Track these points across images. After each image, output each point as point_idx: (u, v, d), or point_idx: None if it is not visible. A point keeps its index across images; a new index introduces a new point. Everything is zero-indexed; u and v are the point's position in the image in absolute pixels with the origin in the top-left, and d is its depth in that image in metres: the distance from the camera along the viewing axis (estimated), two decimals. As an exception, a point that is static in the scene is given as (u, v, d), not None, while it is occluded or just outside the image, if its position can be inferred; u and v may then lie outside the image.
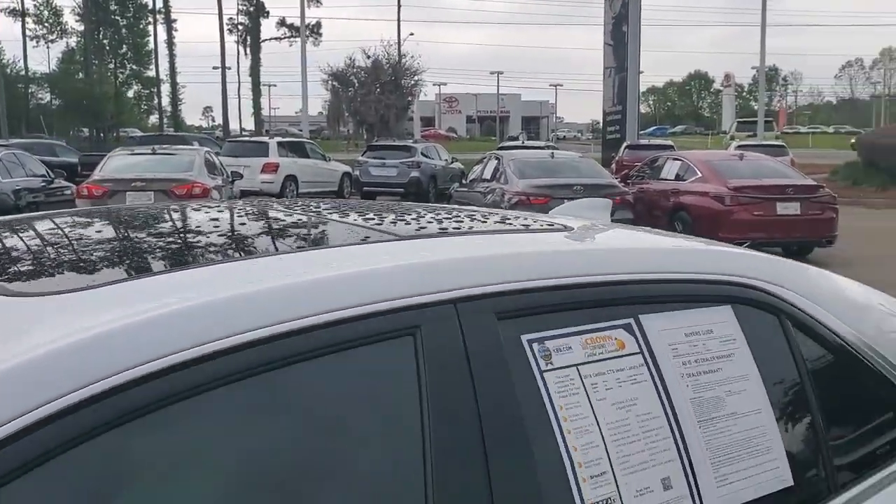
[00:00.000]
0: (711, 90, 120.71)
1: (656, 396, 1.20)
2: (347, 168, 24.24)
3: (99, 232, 1.64)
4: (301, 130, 51.14)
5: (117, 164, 11.55)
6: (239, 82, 75.08)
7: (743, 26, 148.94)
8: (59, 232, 1.63)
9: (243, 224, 1.64)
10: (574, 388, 1.14)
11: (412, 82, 30.07)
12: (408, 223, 1.51)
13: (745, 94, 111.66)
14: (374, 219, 1.59)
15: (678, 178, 12.12)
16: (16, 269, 1.33)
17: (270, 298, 1.01)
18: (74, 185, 14.10)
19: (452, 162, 24.26)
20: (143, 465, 0.89)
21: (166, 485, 0.90)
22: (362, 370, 1.03)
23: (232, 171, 13.68)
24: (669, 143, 24.92)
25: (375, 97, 27.39)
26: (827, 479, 1.36)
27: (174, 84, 66.54)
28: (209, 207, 1.84)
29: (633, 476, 1.13)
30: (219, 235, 1.53)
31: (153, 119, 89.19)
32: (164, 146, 14.27)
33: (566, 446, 1.10)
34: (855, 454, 1.43)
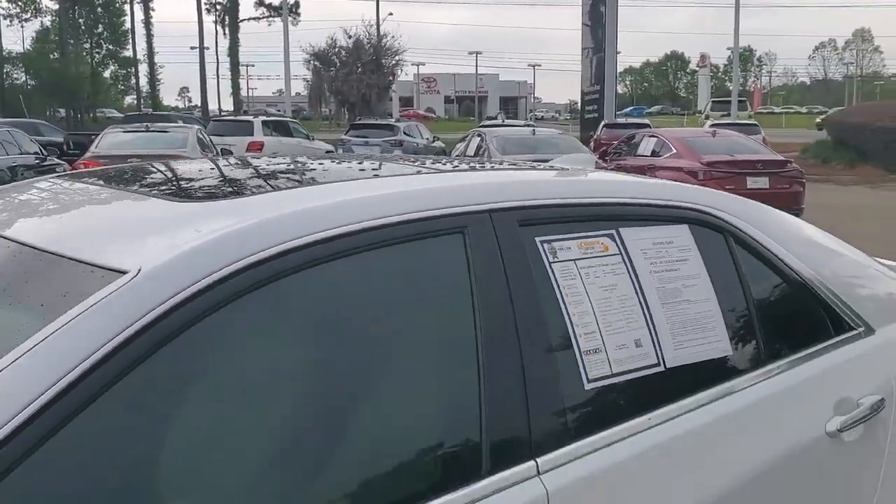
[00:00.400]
0: (687, 70, 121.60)
1: (631, 284, 1.67)
2: (330, 147, 24.53)
3: (211, 169, 2.10)
4: (279, 111, 51.30)
5: (112, 140, 11.87)
6: (217, 62, 74.68)
7: (719, 7, 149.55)
8: (185, 169, 2.09)
9: (320, 164, 2.08)
10: (572, 276, 1.60)
11: (393, 62, 30.41)
12: (444, 163, 1.97)
13: (720, 74, 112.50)
14: (417, 161, 2.04)
15: (654, 154, 12.63)
16: (169, 188, 1.78)
17: (374, 202, 1.46)
18: (66, 163, 14.38)
19: (434, 141, 24.65)
20: (294, 306, 1.33)
21: (309, 319, 1.35)
22: (434, 253, 1.49)
23: (222, 149, 14.01)
24: (646, 122, 25.43)
25: (357, 77, 27.64)
26: (757, 353, 1.84)
27: (152, 64, 66.17)
28: (272, 159, 2.27)
29: (613, 336, 1.59)
30: (301, 171, 1.99)
31: (129, 100, 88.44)
32: (157, 124, 14.56)
33: (568, 314, 1.55)
34: (778, 337, 1.91)
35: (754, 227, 1.94)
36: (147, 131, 12.50)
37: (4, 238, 1.42)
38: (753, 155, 12.10)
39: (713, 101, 40.70)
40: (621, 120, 27.12)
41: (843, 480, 1.88)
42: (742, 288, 1.85)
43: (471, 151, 12.75)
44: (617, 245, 1.69)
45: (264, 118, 22.54)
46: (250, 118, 22.33)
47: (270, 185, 1.74)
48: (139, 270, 1.17)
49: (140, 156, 11.20)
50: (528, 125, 23.64)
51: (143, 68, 67.32)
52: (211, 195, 1.66)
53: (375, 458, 1.33)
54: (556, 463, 1.42)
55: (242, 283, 1.24)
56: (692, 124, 39.75)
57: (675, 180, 12.73)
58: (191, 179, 1.94)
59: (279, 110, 55.50)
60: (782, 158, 12.63)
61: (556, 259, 1.59)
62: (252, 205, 1.47)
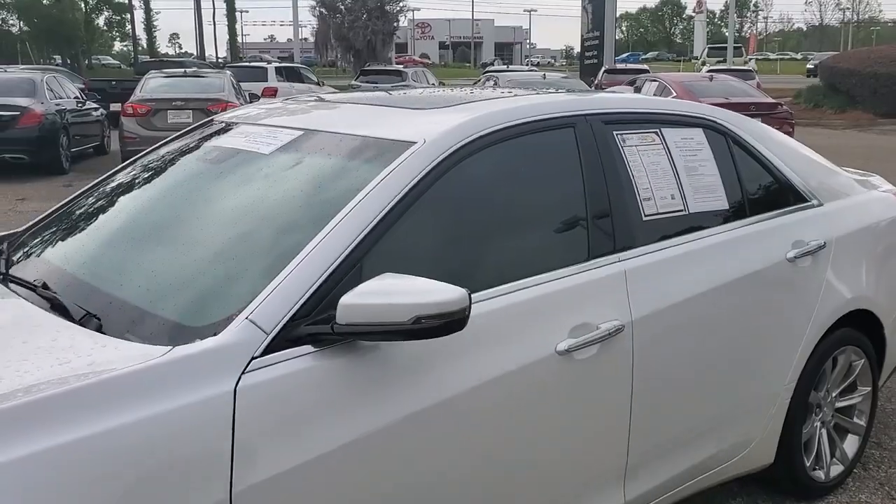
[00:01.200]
0: (683, 16, 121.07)
1: (668, 162, 2.72)
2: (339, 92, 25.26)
3: (416, 93, 3.20)
4: (275, 58, 51.60)
5: (155, 85, 12.77)
6: (214, 8, 74.46)
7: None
8: (404, 94, 3.13)
9: (470, 90, 3.14)
10: (634, 154, 2.65)
11: (397, 8, 31.04)
12: (536, 91, 3.02)
13: (716, 20, 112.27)
14: (527, 90, 3.10)
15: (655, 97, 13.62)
16: (407, 103, 2.83)
17: (531, 106, 2.52)
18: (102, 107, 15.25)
19: (440, 86, 25.47)
20: (500, 160, 2.36)
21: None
22: (560, 137, 2.52)
23: (249, 94, 14.91)
24: (645, 67, 26.26)
25: (363, 23, 28.23)
26: (744, 208, 2.91)
27: (148, 10, 65.91)
28: (440, 89, 3.31)
29: (658, 192, 2.65)
30: (468, 93, 3.03)
31: (119, 46, 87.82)
32: (194, 69, 15.42)
33: (632, 176, 2.61)
34: (759, 201, 2.98)
35: (744, 133, 3.01)
36: (185, 76, 13.40)
37: (323, 132, 2.47)
38: (747, 98, 13.12)
39: (709, 48, 41.41)
40: (621, 65, 27.92)
41: (797, 290, 2.97)
42: (735, 170, 2.93)
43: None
44: (659, 138, 2.75)
45: (277, 65, 23.27)
46: (264, 65, 23.05)
47: (462, 99, 2.75)
48: (424, 140, 2.22)
49: (183, 99, 12.16)
50: (532, 70, 24.45)
51: (138, 15, 67.00)
52: (438, 105, 2.65)
53: (542, 237, 2.41)
54: (628, 256, 2.49)
55: (475, 146, 2.28)
56: (688, 70, 40.48)
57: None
58: (416, 99, 3.02)
59: (275, 58, 55.88)
60: (773, 101, 13.67)
61: (625, 144, 2.65)
62: (467, 108, 2.51)
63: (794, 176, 3.13)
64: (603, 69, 24.41)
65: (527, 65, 70.06)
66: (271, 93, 21.06)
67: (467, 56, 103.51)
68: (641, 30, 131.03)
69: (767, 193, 3.05)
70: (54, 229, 2.66)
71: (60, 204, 2.87)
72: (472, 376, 2.04)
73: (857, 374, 3.30)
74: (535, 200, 2.43)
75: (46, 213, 2.85)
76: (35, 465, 1.50)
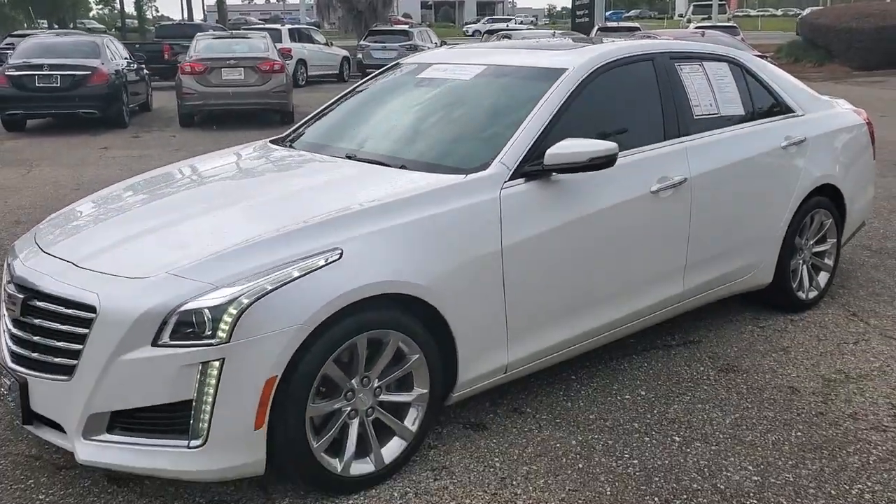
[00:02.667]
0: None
1: (708, 83, 4.28)
2: (346, 53, 26.62)
3: (544, 43, 4.73)
4: (264, 20, 52.12)
5: (206, 45, 14.15)
6: (199, -31, 74.27)
7: None
8: (532, 44, 4.67)
9: (564, 39, 4.67)
10: (688, 78, 4.20)
11: (397, -30, 32.22)
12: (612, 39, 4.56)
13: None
14: (604, 40, 4.65)
15: (653, 52, 15.16)
16: (543, 47, 4.39)
17: (628, 47, 4.07)
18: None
19: (441, 45, 26.78)
20: (614, 82, 3.91)
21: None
22: (647, 66, 4.05)
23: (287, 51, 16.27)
24: (636, 25, 27.65)
25: (365, -15, 29.34)
26: (753, 114, 4.49)
27: (135, -27, 66.03)
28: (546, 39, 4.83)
29: (703, 100, 4.21)
30: (571, 41, 4.57)
31: (96, 10, 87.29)
32: (238, 31, 16.75)
33: (686, 91, 4.15)
34: (762, 110, 4.56)
35: (753, 66, 4.59)
36: (232, 38, 14.78)
37: (501, 65, 4.02)
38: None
39: (694, 6, 42.94)
40: (613, 24, 29.27)
41: (787, 167, 4.55)
42: (748, 90, 4.50)
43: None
44: (701, 68, 4.32)
45: (290, 27, 24.52)
46: (278, 26, 24.29)
47: (577, 45, 4.28)
48: (573, 68, 3.76)
49: (235, 58, 13.55)
50: (530, 28, 25.77)
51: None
52: (567, 48, 4.19)
53: (639, 124, 3.94)
54: (687, 138, 4.05)
55: (606, 68, 3.83)
56: (672, 27, 41.87)
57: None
58: (549, 44, 4.56)
59: (256, 21, 56.50)
60: (759, 54, 15.20)
61: (682, 72, 4.20)
62: (585, 49, 4.05)
63: (785, 95, 4.72)
64: (596, 27, 25.77)
65: (507, 24, 70.52)
66: (286, 52, 22.36)
67: (450, 15, 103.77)
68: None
69: (768, 105, 4.64)
70: (330, 122, 4.27)
71: (325, 106, 4.51)
72: (606, 200, 3.62)
73: (826, 230, 4.91)
74: (634, 102, 4.00)
75: (316, 111, 4.46)
76: (402, 230, 3.03)
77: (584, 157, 3.34)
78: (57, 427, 2.93)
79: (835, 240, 4.98)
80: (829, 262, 4.99)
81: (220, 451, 2.71)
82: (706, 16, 35.11)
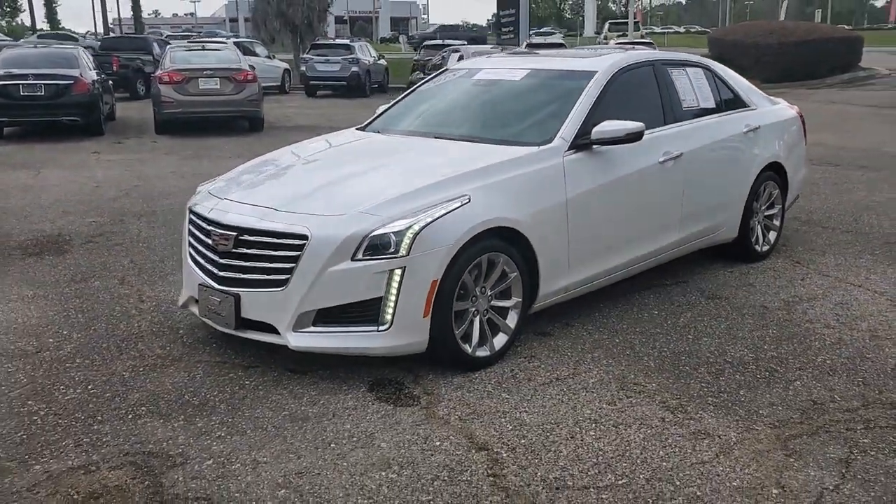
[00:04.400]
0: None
1: (689, 84, 5.65)
2: (287, 65, 27.53)
3: (560, 54, 6.04)
4: (187, 32, 52.37)
5: (180, 56, 14.99)
6: (116, -18, 73.43)
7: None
8: (548, 53, 5.96)
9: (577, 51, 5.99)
10: (676, 78, 5.56)
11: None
12: (617, 50, 5.89)
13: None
14: (611, 49, 5.98)
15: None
16: (562, 55, 5.68)
17: (638, 56, 5.40)
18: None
19: (380, 59, 27.96)
20: (630, 81, 5.22)
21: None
22: (648, 71, 5.39)
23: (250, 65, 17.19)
24: (561, 41, 29.49)
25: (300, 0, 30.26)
26: (720, 107, 5.89)
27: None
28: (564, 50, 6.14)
29: (687, 96, 5.57)
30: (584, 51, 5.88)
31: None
32: (205, 42, 17.57)
33: (676, 89, 5.51)
34: (727, 104, 5.96)
35: (719, 70, 6.00)
36: (203, 49, 15.65)
37: (542, 68, 5.29)
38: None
39: (611, 23, 45.46)
40: (541, 40, 31.07)
41: (746, 149, 5.96)
42: (717, 89, 5.89)
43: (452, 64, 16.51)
44: (685, 72, 5.69)
45: (234, 40, 25.29)
46: (224, 40, 25.02)
47: (597, 54, 5.58)
48: (599, 70, 5.06)
49: (211, 68, 14.45)
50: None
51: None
52: (590, 56, 5.49)
53: (647, 112, 5.24)
54: (679, 124, 5.39)
55: (623, 71, 5.14)
56: (587, 44, 44.16)
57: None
58: (574, 53, 5.94)
59: (188, 31, 56.59)
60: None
61: (672, 74, 5.56)
62: (605, 57, 5.35)
63: (742, 93, 6.15)
64: (525, 43, 27.46)
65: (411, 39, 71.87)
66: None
67: (366, 30, 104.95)
68: (533, 5, 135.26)
69: (730, 101, 6.04)
70: (408, 114, 5.46)
71: (392, 103, 5.66)
72: (630, 167, 4.92)
73: (774, 198, 6.35)
74: (642, 97, 5.32)
75: (387, 106, 5.64)
76: (504, 184, 4.26)
77: (622, 133, 4.63)
78: (263, 329, 4.03)
79: (780, 206, 6.43)
80: (776, 223, 6.43)
81: (399, 333, 3.88)
82: (622, 33, 37.47)
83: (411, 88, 5.93)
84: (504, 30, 34.27)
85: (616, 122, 4.68)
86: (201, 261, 4.30)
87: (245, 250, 4.05)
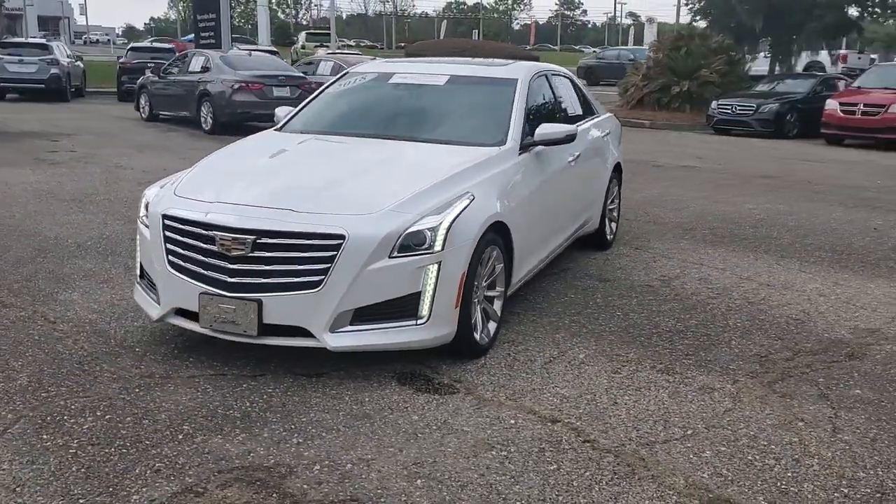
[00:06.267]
0: (241, 0, 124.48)
1: (567, 91, 6.34)
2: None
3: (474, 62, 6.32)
4: None
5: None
6: None
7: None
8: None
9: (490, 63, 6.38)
10: (559, 87, 6.21)
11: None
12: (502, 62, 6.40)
13: (272, 5, 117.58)
14: (489, 61, 6.46)
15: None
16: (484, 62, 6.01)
17: (540, 67, 5.92)
18: None
19: (76, 60, 25.69)
20: (540, 85, 5.73)
21: None
22: (547, 78, 5.97)
23: None
24: (273, 49, 29.32)
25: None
26: (584, 115, 6.66)
27: None
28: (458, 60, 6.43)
29: (567, 101, 6.26)
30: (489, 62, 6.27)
31: None
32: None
33: (563, 97, 6.18)
34: (586, 110, 6.76)
35: (576, 79, 6.76)
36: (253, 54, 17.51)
37: (463, 75, 5.62)
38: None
39: (308, 34, 46.02)
40: (249, 47, 30.54)
41: (605, 150, 6.79)
42: (579, 97, 6.65)
43: (195, 67, 15.84)
44: (564, 80, 6.36)
45: None
46: None
47: (507, 62, 6.00)
48: (519, 78, 5.51)
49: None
50: (255, 48, 25.98)
51: None
52: (503, 64, 5.94)
53: (550, 115, 5.80)
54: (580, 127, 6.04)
55: (533, 79, 5.62)
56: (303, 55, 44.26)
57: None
58: (489, 62, 6.35)
59: None
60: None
61: (555, 82, 6.19)
62: (516, 65, 5.82)
63: (592, 101, 6.97)
64: (234, 48, 26.90)
65: (85, 42, 66.13)
66: None
67: (13, 28, 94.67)
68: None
69: (587, 107, 6.83)
70: (331, 114, 5.50)
71: (303, 105, 5.66)
72: (556, 165, 5.45)
73: (615, 194, 7.27)
74: (548, 102, 5.87)
75: (298, 109, 5.62)
76: (490, 181, 4.54)
77: (562, 135, 5.15)
78: (289, 333, 3.93)
79: (619, 200, 7.38)
80: (616, 215, 7.37)
81: (435, 326, 4.02)
82: (319, 43, 38.16)
83: (318, 91, 5.91)
84: (203, 34, 33.15)
85: (554, 125, 5.19)
86: (197, 269, 4.04)
87: (265, 253, 3.91)
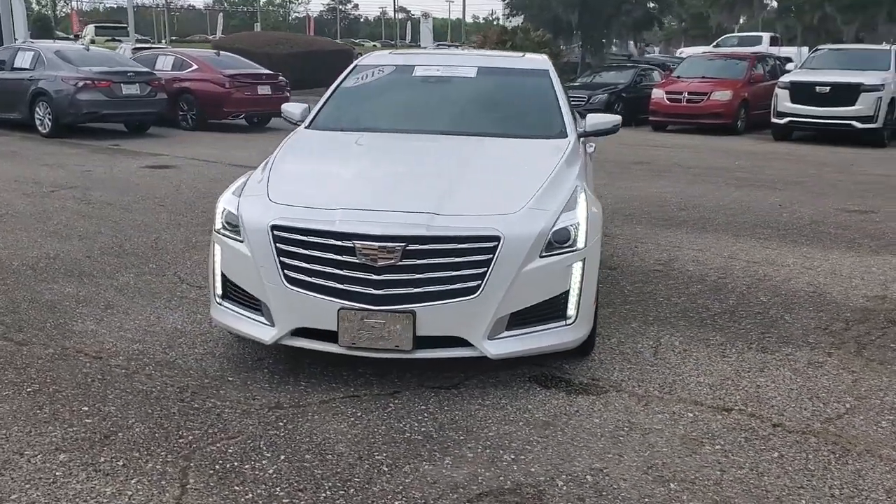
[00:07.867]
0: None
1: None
2: None
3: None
4: None
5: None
6: None
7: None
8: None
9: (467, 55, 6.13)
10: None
11: None
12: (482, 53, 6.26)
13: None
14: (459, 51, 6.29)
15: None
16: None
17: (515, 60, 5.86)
18: None
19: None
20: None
21: None
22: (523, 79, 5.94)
23: None
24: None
25: None
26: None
27: None
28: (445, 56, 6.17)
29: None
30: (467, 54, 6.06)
31: None
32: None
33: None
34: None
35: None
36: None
37: (491, 66, 5.43)
38: (251, 70, 16.45)
39: (97, 27, 42.40)
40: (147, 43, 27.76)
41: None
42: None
43: (25, 63, 14.08)
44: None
45: None
46: None
47: (504, 55, 5.83)
48: (545, 68, 5.44)
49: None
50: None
51: None
52: (518, 55, 5.74)
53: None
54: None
55: (549, 69, 5.59)
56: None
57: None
58: (506, 54, 6.05)
59: None
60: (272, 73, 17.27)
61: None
62: (534, 56, 5.71)
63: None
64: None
65: None
66: None
67: None
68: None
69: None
70: (363, 111, 5.14)
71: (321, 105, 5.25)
72: (584, 154, 5.45)
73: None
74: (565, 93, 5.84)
75: (321, 103, 5.21)
76: (581, 178, 4.50)
77: (610, 125, 5.16)
78: (443, 345, 3.66)
79: (585, 189, 7.52)
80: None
81: (581, 325, 3.89)
82: (110, 37, 35.47)
83: (335, 86, 5.47)
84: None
85: (601, 115, 5.19)
86: (330, 283, 3.62)
87: (417, 261, 3.59)
